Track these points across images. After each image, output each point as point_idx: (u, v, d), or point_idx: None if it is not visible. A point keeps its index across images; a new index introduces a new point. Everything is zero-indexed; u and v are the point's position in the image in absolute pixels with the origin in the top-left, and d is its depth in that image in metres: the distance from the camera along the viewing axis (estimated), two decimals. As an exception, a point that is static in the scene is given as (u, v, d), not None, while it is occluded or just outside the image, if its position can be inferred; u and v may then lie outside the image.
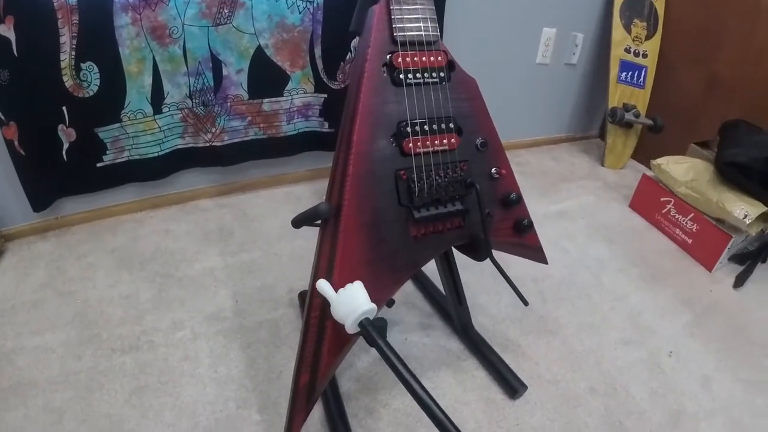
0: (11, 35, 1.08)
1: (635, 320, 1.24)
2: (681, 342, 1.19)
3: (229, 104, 1.36)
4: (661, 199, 1.56)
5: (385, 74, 0.77)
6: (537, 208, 1.67)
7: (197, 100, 1.32)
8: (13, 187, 1.22)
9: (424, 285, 1.25)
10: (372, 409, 0.97)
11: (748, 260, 1.46)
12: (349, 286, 0.70)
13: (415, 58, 0.78)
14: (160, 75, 1.25)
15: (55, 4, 1.09)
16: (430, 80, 0.79)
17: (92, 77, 1.18)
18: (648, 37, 1.91)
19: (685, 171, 1.51)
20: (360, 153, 0.75)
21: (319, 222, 0.83)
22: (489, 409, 0.99)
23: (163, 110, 1.30)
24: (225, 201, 1.55)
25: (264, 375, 1.02)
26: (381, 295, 0.80)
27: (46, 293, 1.17)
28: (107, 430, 0.90)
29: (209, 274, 1.26)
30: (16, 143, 1.16)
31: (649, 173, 1.63)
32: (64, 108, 1.19)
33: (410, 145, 0.77)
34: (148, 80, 1.24)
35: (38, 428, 0.90)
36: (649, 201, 1.61)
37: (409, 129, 0.77)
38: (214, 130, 1.39)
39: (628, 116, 1.84)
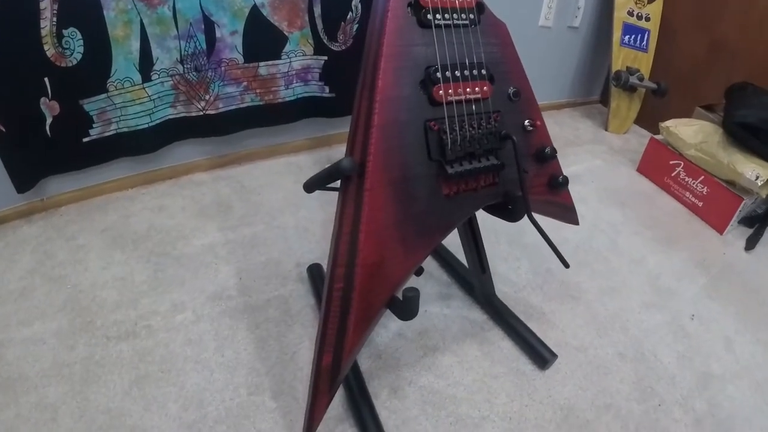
0: (-14, 2, 0.97)
1: (654, 283, 1.21)
2: (701, 304, 1.17)
3: (223, 69, 1.26)
4: (670, 162, 1.53)
5: (410, 14, 0.69)
6: None
7: (189, 65, 1.22)
8: (-5, 168, 1.12)
9: (439, 253, 1.19)
10: (396, 387, 0.91)
11: (756, 223, 1.44)
12: None
13: (443, -4, 0.70)
14: (148, 39, 1.15)
15: (33, -34, 0.98)
16: (460, 22, 0.71)
17: (75, 45, 1.08)
18: (650, 0, 1.86)
19: (694, 133, 1.47)
20: (386, 100, 0.67)
21: (334, 185, 0.75)
22: (519, 381, 0.94)
23: (153, 77, 1.19)
24: (222, 173, 1.46)
25: (276, 357, 0.95)
26: (412, 259, 0.73)
27: (34, 280, 1.07)
28: (107, 427, 0.82)
29: (209, 250, 1.17)
30: (-5, 119, 1.05)
31: (657, 137, 1.59)
32: (45, 79, 1.08)
33: (440, 92, 0.70)
34: (135, 45, 1.14)
35: (31, 427, 0.81)
36: (658, 164, 1.57)
37: (438, 74, 0.69)
38: (207, 97, 1.29)
39: (632, 80, 1.81)
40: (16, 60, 1.03)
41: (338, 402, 0.87)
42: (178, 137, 1.33)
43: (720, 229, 1.42)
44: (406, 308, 0.73)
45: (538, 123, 0.79)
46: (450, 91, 0.70)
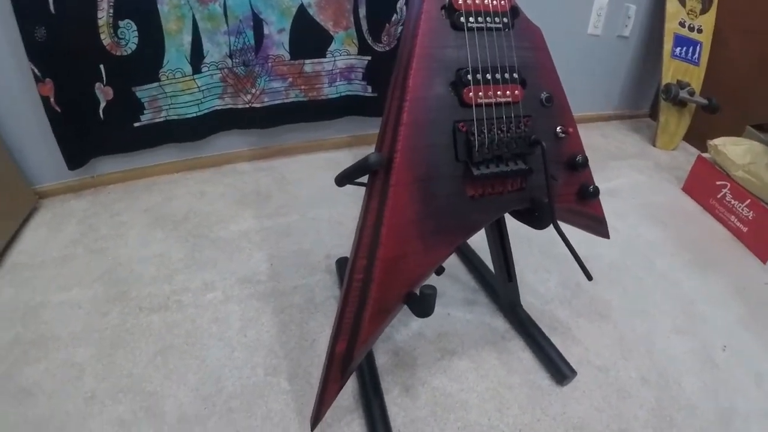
0: (48, -8, 1.05)
1: (688, 308, 1.15)
2: (735, 335, 1.10)
3: (269, 65, 1.31)
4: (717, 183, 1.45)
5: (444, 17, 0.70)
6: None
7: (237, 60, 1.27)
8: (48, 145, 1.20)
9: (469, 258, 1.18)
10: (409, 386, 0.91)
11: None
12: None
13: (477, 1, 0.70)
14: (199, 33, 1.21)
15: (92, -39, 1.05)
16: (493, 25, 0.71)
17: (130, 35, 1.15)
18: (703, 11, 1.79)
19: (742, 153, 1.40)
20: (416, 99, 0.69)
21: (362, 180, 0.76)
22: (534, 395, 0.92)
23: (202, 70, 1.25)
24: (263, 165, 1.51)
25: (296, 342, 0.97)
26: (432, 258, 0.74)
27: (77, 249, 1.14)
28: (127, 389, 0.87)
29: (244, 236, 1.22)
30: (51, 100, 1.13)
31: (705, 155, 1.52)
32: (101, 66, 1.16)
33: (470, 94, 0.70)
34: (187, 39, 1.20)
35: (57, 382, 0.87)
36: (704, 184, 1.51)
37: (469, 77, 0.70)
38: (253, 91, 1.34)
39: (683, 94, 1.73)
40: (74, 47, 1.11)
41: (350, 393, 0.89)
42: (223, 127, 1.39)
43: (763, 258, 1.34)
44: (423, 305, 0.74)
45: (570, 130, 0.78)
46: (480, 93, 0.71)
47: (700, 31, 1.79)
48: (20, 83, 1.13)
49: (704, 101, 1.73)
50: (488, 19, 0.71)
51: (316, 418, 0.78)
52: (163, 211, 1.28)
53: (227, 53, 1.26)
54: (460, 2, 0.70)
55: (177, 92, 1.25)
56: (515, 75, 0.73)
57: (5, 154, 1.16)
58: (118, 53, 1.15)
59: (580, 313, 1.10)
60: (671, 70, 1.77)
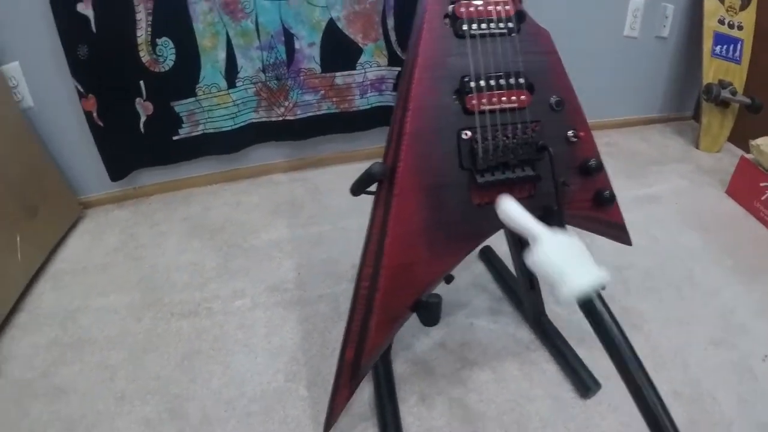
0: (90, 13, 1.13)
1: (727, 318, 1.09)
2: None
3: (301, 78, 1.35)
4: (761, 185, 1.36)
5: (447, 25, 0.70)
6: (623, 191, 1.47)
7: (270, 74, 1.32)
8: (92, 157, 1.29)
9: (495, 267, 1.17)
10: (426, 395, 0.91)
11: None
12: (563, 233, 0.46)
13: (480, 7, 0.70)
14: (233, 49, 1.26)
15: (131, -18, 1.12)
16: (497, 31, 0.71)
17: (168, 52, 1.21)
18: (742, 7, 1.69)
19: None
20: (418, 109, 0.69)
21: (374, 189, 0.77)
22: (557, 408, 0.89)
23: (237, 84, 1.31)
24: (298, 175, 1.55)
25: (317, 350, 0.99)
26: (438, 266, 0.74)
27: (117, 257, 1.22)
28: (155, 391, 0.91)
29: (275, 245, 1.26)
30: (94, 115, 1.22)
31: (748, 156, 1.43)
32: (141, 82, 1.23)
33: (474, 101, 0.70)
34: (221, 55, 1.26)
35: (90, 383, 0.93)
36: (748, 186, 1.42)
37: (472, 84, 0.69)
38: (287, 104, 1.38)
39: (724, 93, 1.63)
40: (115, 64, 1.19)
41: (366, 401, 0.89)
42: (258, 140, 1.44)
43: (810, 263, 1.24)
44: (428, 314, 0.74)
45: (582, 134, 0.75)
46: (484, 100, 0.70)
47: (740, 28, 1.69)
48: (65, 99, 1.22)
49: (747, 100, 1.63)
50: (492, 25, 0.71)
51: (328, 423, 0.80)
52: (201, 221, 1.34)
53: (260, 68, 1.31)
54: (462, 10, 0.70)
55: (213, 106, 1.31)
56: (521, 80, 0.72)
57: (52, 165, 1.25)
58: (157, 70, 1.22)
59: (609, 324, 1.05)
60: (712, 70, 1.68)
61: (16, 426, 0.85)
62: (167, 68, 1.23)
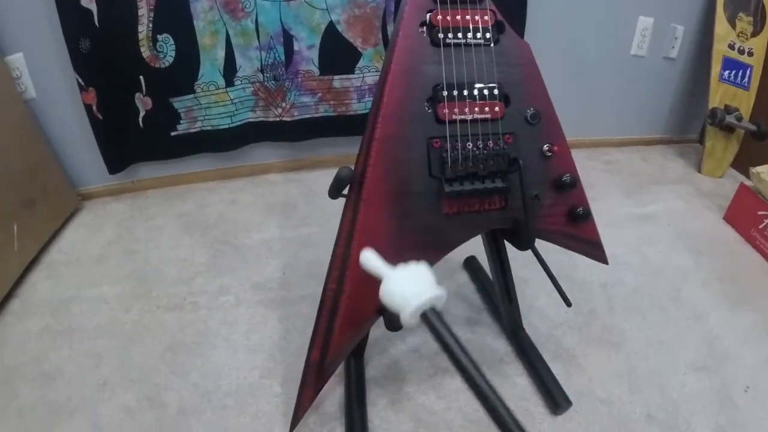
0: (93, 7, 1.16)
1: (712, 343, 1.06)
2: (762, 375, 1.00)
3: (299, 80, 1.37)
4: (759, 213, 1.34)
5: (424, 34, 0.71)
6: (619, 209, 1.51)
7: (268, 75, 1.34)
8: (91, 150, 1.32)
9: (478, 277, 1.16)
10: (395, 400, 0.91)
11: None
12: (412, 264, 0.54)
13: (457, 17, 0.71)
14: (232, 48, 1.29)
15: (133, -22, 1.15)
16: (473, 41, 0.71)
17: (168, 49, 1.24)
18: (754, 34, 1.67)
19: None
20: (389, 115, 0.70)
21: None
22: (524, 422, 0.87)
23: (235, 83, 1.33)
24: (293, 176, 1.57)
25: (294, 349, 1.00)
26: (404, 273, 0.74)
27: (112, 249, 1.24)
28: (137, 380, 0.93)
29: (265, 244, 1.27)
30: (94, 108, 1.25)
31: (748, 183, 1.41)
32: (141, 77, 1.26)
33: (445, 110, 0.70)
34: (221, 53, 1.28)
35: (77, 369, 0.95)
36: (746, 214, 1.39)
37: (445, 93, 0.70)
38: (284, 104, 1.40)
39: (729, 119, 1.62)
40: (116, 58, 1.22)
41: (338, 400, 0.90)
42: (255, 139, 1.46)
43: (804, 296, 1.21)
44: (391, 319, 0.74)
45: (556, 148, 0.75)
46: (455, 109, 0.71)
47: (750, 54, 1.67)
48: (67, 91, 1.25)
49: (753, 127, 1.61)
50: (468, 35, 0.71)
51: (294, 421, 0.81)
52: (195, 217, 1.36)
53: (259, 68, 1.33)
54: (438, 18, 0.70)
55: (211, 104, 1.33)
56: (495, 91, 0.72)
57: (52, 157, 1.28)
58: (157, 65, 1.25)
59: (589, 340, 1.04)
60: (719, 95, 1.66)
61: (5, 407, 0.88)
62: (167, 64, 1.25)
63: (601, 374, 0.97)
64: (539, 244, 0.82)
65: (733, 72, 1.66)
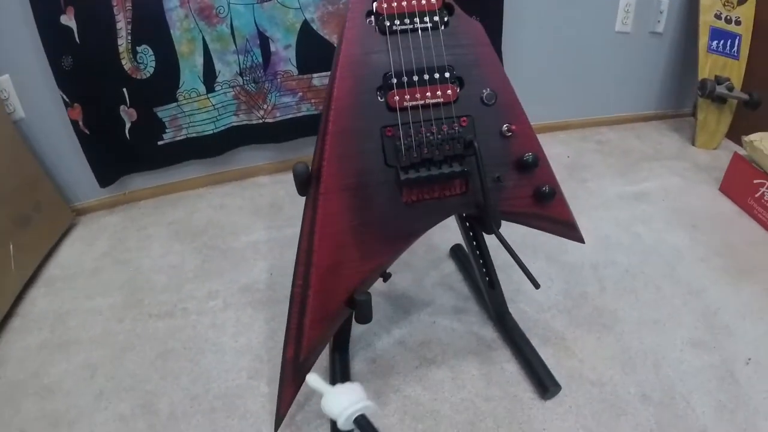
0: (72, 24, 1.18)
1: (710, 319, 1.03)
2: (764, 348, 0.97)
3: (279, 80, 1.37)
4: (755, 182, 1.29)
5: (371, 23, 0.71)
6: (611, 188, 1.47)
7: (248, 78, 1.35)
8: (83, 165, 1.34)
9: (464, 265, 1.15)
10: (381, 393, 0.90)
11: None
12: (348, 383, 0.67)
13: (403, 3, 0.70)
14: (210, 54, 1.29)
15: (109, -8, 1.17)
16: (421, 26, 0.70)
17: (148, 59, 1.26)
18: (741, 2, 1.62)
19: None
20: (340, 108, 0.69)
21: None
22: (513, 408, 0.87)
23: (216, 89, 1.34)
24: (282, 177, 1.57)
25: (280, 349, 0.97)
26: (369, 265, 0.74)
27: (105, 261, 1.26)
28: (130, 388, 0.94)
29: (252, 247, 1.28)
30: (80, 123, 1.27)
31: (742, 152, 1.37)
32: (124, 89, 1.27)
33: (396, 98, 0.70)
34: (199, 60, 1.29)
35: (74, 381, 0.97)
36: (741, 183, 1.35)
37: (394, 80, 0.69)
38: (266, 106, 1.40)
39: (720, 89, 1.57)
40: (98, 73, 1.23)
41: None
42: (240, 143, 1.47)
43: (805, 263, 1.16)
44: (358, 312, 0.74)
45: (514, 128, 0.73)
46: (407, 96, 0.70)
47: (738, 23, 1.62)
48: (55, 109, 1.27)
49: (745, 96, 1.56)
50: (416, 20, 0.70)
51: (277, 420, 0.81)
52: (185, 224, 1.38)
53: (237, 72, 1.33)
54: (384, 6, 0.70)
55: (194, 111, 1.34)
56: (447, 74, 0.71)
57: (44, 175, 1.30)
58: (139, 77, 1.26)
59: (579, 323, 1.02)
60: (708, 66, 1.62)
61: (8, 423, 0.90)
62: (148, 75, 1.27)
63: (592, 356, 0.96)
64: (518, 227, 0.81)
65: (722, 42, 1.61)
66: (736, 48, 1.63)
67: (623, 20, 1.62)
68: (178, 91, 1.31)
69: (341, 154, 0.70)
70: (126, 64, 1.24)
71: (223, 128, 1.40)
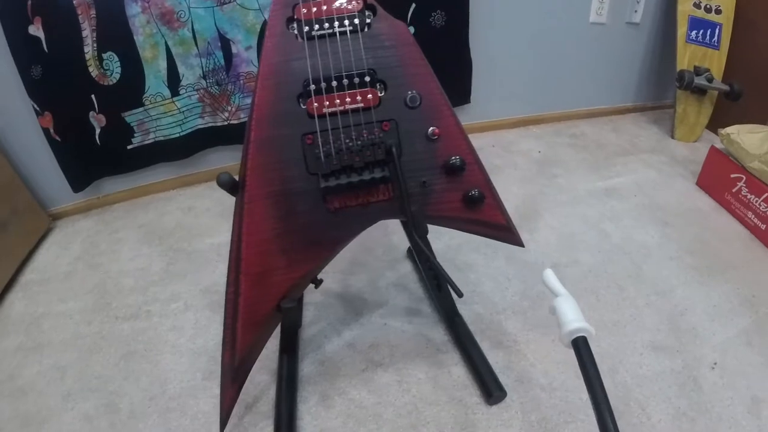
0: (41, 34, 1.19)
1: (676, 321, 1.00)
2: (732, 352, 0.94)
3: (242, 82, 1.37)
4: (732, 176, 1.26)
5: (292, 30, 0.70)
6: (581, 184, 1.45)
7: (211, 80, 1.35)
8: (58, 171, 1.36)
9: (419, 265, 1.14)
10: (327, 395, 0.91)
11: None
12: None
13: (323, 7, 0.69)
14: (173, 58, 1.30)
15: (74, 1, 1.18)
16: (340, 30, 0.69)
17: (114, 66, 1.27)
18: None
19: (759, 142, 1.20)
20: (261, 117, 0.69)
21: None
22: (457, 413, 0.86)
23: (180, 92, 1.35)
24: (249, 179, 1.58)
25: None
26: (296, 272, 0.74)
27: (78, 265, 1.28)
28: (95, 389, 0.97)
29: (216, 249, 1.29)
30: (51, 131, 1.28)
31: (719, 145, 1.33)
32: (92, 96, 1.29)
33: (315, 105, 0.69)
34: (163, 64, 1.30)
35: (46, 382, 0.99)
36: (718, 178, 1.32)
37: (312, 87, 0.69)
38: (230, 108, 1.41)
39: (699, 80, 1.53)
40: (67, 80, 1.25)
41: (272, 399, 0.91)
42: (207, 145, 1.48)
43: (785, 258, 1.13)
44: (285, 319, 0.74)
45: (437, 131, 0.72)
46: (326, 103, 0.69)
47: (718, 12, 1.58)
48: (27, 117, 1.29)
49: (725, 87, 1.51)
50: (336, 24, 0.70)
51: (222, 422, 0.81)
52: (155, 226, 1.39)
53: (201, 75, 1.34)
54: (303, 11, 0.69)
55: (160, 115, 1.36)
56: (367, 78, 0.70)
57: (20, 182, 1.33)
58: (106, 83, 1.28)
59: (534, 325, 1.01)
60: (687, 56, 1.58)
61: None
62: (115, 81, 1.28)
63: (545, 360, 0.94)
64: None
65: (701, 32, 1.57)
66: (716, 38, 1.58)
67: (598, 11, 1.58)
68: (144, 95, 1.32)
69: (264, 163, 0.70)
70: (93, 71, 1.26)
71: (189, 131, 1.41)
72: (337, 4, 0.70)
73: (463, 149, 0.75)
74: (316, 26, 0.69)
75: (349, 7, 0.70)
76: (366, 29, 0.71)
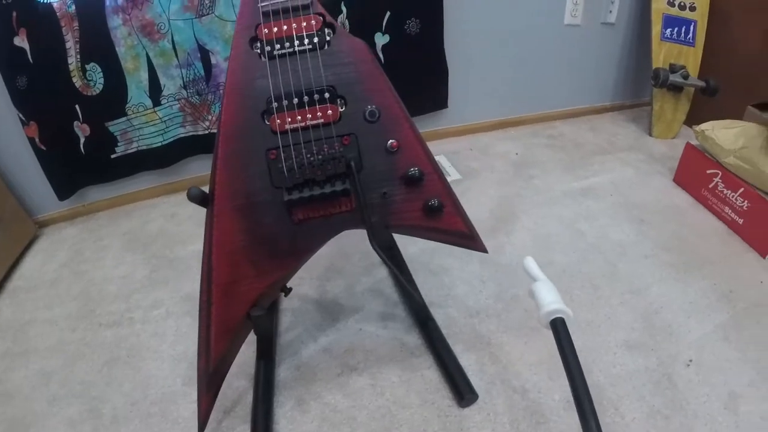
0: (25, 45, 1.22)
1: (651, 319, 1.02)
2: (709, 348, 0.95)
3: (221, 91, 1.39)
4: (708, 172, 1.27)
5: (255, 49, 0.72)
6: (557, 184, 1.47)
7: (191, 90, 1.38)
8: (44, 179, 1.39)
9: (394, 272, 1.16)
10: (303, 400, 0.93)
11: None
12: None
13: (284, 27, 0.71)
14: (155, 69, 1.32)
15: (57, 13, 1.21)
16: (299, 48, 0.72)
17: (97, 76, 1.29)
18: None
19: (734, 137, 1.21)
20: (227, 134, 0.72)
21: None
22: (429, 416, 0.88)
23: (162, 102, 1.37)
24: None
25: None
26: (264, 281, 0.76)
27: (63, 272, 1.31)
28: (79, 395, 0.99)
29: (197, 256, 1.30)
30: (37, 140, 1.31)
31: (695, 142, 1.35)
32: (76, 106, 1.32)
33: (277, 122, 0.71)
34: (144, 75, 1.32)
35: (31, 388, 1.02)
36: (695, 174, 1.33)
37: (275, 104, 0.71)
38: (210, 117, 1.44)
39: (674, 78, 1.55)
40: (52, 91, 1.27)
41: (249, 404, 0.93)
42: (189, 153, 1.51)
43: (763, 252, 1.15)
44: (255, 326, 0.76)
45: (395, 144, 0.74)
46: (288, 119, 0.71)
47: (693, 9, 1.59)
48: (13, 126, 1.31)
49: (701, 83, 1.53)
50: (297, 42, 0.72)
51: (199, 426, 0.84)
52: (138, 234, 1.42)
53: (181, 85, 1.36)
54: (265, 31, 0.71)
55: (143, 124, 1.38)
56: (327, 95, 0.72)
57: (6, 190, 1.36)
58: (89, 93, 1.31)
59: (508, 327, 1.03)
60: (662, 54, 1.59)
61: None
62: (98, 91, 1.31)
63: (518, 362, 0.96)
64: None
65: (676, 29, 1.58)
66: (691, 35, 1.60)
67: (572, 12, 1.59)
68: (127, 105, 1.34)
69: (231, 177, 0.72)
70: (77, 81, 1.28)
71: (171, 140, 1.44)
72: (296, 23, 0.72)
73: (421, 160, 0.77)
74: (278, 46, 0.72)
75: (309, 25, 0.72)
76: (326, 47, 0.73)
